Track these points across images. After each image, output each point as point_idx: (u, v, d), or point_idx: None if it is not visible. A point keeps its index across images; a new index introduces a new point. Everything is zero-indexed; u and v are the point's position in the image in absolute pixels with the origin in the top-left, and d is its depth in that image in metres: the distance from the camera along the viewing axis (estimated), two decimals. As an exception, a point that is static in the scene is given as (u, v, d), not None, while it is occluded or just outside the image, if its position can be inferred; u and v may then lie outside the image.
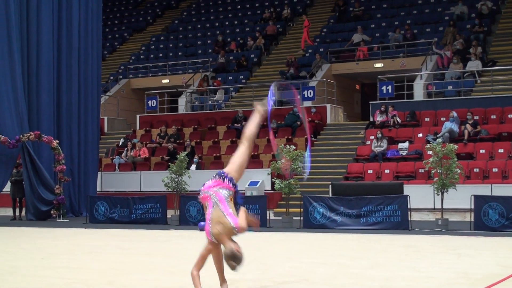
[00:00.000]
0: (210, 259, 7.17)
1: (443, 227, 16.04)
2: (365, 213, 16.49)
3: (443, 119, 23.34)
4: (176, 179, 19.30)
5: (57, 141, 21.46)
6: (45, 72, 22.69)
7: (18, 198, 21.58)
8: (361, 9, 33.42)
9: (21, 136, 20.76)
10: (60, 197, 21.06)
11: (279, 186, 17.81)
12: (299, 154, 18.02)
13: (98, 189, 24.80)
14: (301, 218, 17.12)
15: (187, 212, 18.33)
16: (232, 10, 39.40)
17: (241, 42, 34.46)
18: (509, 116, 22.98)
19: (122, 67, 36.02)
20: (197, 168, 24.09)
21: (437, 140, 18.48)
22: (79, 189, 23.61)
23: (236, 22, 37.68)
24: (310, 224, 16.81)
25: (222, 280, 7.34)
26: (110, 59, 38.22)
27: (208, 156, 25.73)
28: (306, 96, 26.91)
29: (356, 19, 32.68)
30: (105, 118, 30.89)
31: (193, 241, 13.64)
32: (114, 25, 42.45)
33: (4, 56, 20.97)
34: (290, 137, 24.94)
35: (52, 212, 21.04)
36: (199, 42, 36.57)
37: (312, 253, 11.33)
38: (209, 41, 36.07)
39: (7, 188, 21.72)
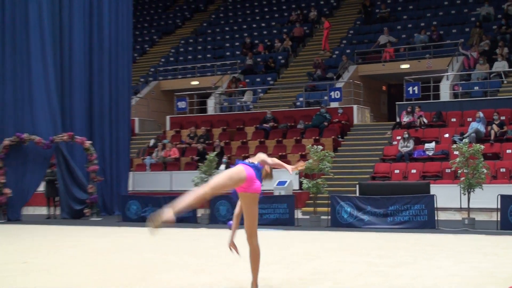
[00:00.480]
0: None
1: (469, 226, 15.94)
2: (392, 212, 16.44)
3: (469, 119, 23.12)
4: (206, 179, 19.36)
5: (90, 142, 21.66)
6: (77, 74, 22.87)
7: (51, 197, 21.83)
8: (387, 11, 33.21)
9: (55, 137, 20.98)
10: (93, 196, 21.25)
11: (306, 186, 17.81)
12: (326, 154, 18.02)
13: (130, 188, 24.92)
14: (329, 217, 17.11)
15: (216, 211, 18.40)
16: (260, 13, 39.38)
17: (269, 44, 34.44)
18: (536, 116, 22.83)
19: (152, 69, 36.17)
20: (226, 168, 24.12)
21: (464, 140, 18.38)
22: (111, 189, 23.76)
23: (263, 25, 37.65)
24: (337, 223, 16.79)
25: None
26: (141, 61, 38.38)
27: (237, 156, 25.70)
28: (333, 97, 26.89)
29: (382, 21, 32.47)
30: (136, 119, 31.03)
31: (222, 240, 13.69)
32: (144, 28, 42.60)
33: (38, 59, 21.22)
34: (317, 137, 24.87)
35: (85, 211, 21.24)
36: (227, 44, 36.60)
37: (339, 251, 11.34)
38: (237, 43, 36.08)
39: (42, 187, 21.98)
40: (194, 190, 6.99)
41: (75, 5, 22.93)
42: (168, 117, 31.05)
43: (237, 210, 7.43)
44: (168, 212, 6.57)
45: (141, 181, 25.73)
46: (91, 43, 23.67)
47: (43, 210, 23.14)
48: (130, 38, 26.03)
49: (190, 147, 27.13)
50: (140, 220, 19.22)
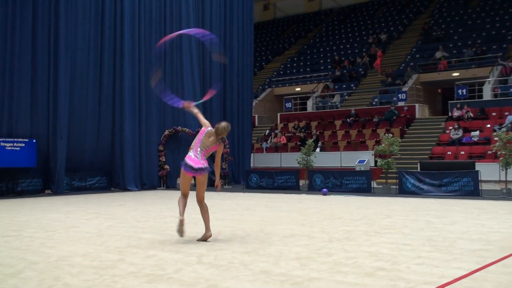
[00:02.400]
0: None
1: (507, 194, 15.10)
2: (446, 183, 15.78)
3: (506, 113, 22.00)
4: (306, 158, 19.28)
5: (224, 132, 21.93)
6: (215, 85, 23.27)
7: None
8: (442, 33, 32.05)
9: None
10: (225, 171, 21.55)
11: (380, 163, 17.44)
12: (395, 140, 17.58)
13: (251, 165, 25.23)
14: (397, 186, 16.64)
15: (313, 181, 18.27)
16: (345, 37, 38.83)
17: (352, 60, 33.91)
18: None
19: (268, 80, 36.38)
20: (320, 151, 23.99)
21: (502, 129, 17.41)
22: (238, 165, 24.11)
23: (348, 46, 37.08)
24: (403, 191, 16.30)
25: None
26: (259, 74, 38.69)
27: (328, 142, 25.54)
28: (400, 98, 26.31)
29: (438, 40, 31.34)
30: (256, 116, 31.36)
31: (317, 203, 13.59)
32: (262, 50, 42.86)
33: (188, 75, 21.72)
34: (388, 128, 24.31)
35: (220, 181, 21.55)
36: (322, 61, 36.31)
37: (405, 212, 10.98)
38: (328, 60, 35.74)
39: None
40: (178, 199, 7.16)
41: (213, 36, 23.26)
42: (278, 114, 31.25)
43: (184, 191, 7.19)
44: (180, 220, 6.79)
45: (259, 160, 25.99)
46: (225, 63, 24.04)
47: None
48: (251, 58, 26.29)
49: (294, 135, 27.14)
50: (258, 188, 19.35)
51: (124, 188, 19.44)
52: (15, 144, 16.43)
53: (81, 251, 6.33)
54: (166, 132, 21.01)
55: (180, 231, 6.76)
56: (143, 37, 20.42)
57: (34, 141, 16.98)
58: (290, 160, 23.22)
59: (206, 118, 23.37)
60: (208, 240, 7.09)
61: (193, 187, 7.41)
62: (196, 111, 7.61)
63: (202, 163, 7.05)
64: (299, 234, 7.70)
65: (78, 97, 18.52)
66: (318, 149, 23.70)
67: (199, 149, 7.10)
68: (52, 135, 17.60)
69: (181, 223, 6.79)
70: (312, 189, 18.13)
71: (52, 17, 17.72)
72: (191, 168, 6.98)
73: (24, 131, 17.02)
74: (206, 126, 7.30)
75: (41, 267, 5.37)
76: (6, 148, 16.22)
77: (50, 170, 17.59)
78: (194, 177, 7.20)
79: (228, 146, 21.71)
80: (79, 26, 18.61)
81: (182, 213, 6.95)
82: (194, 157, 7.06)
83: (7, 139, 16.35)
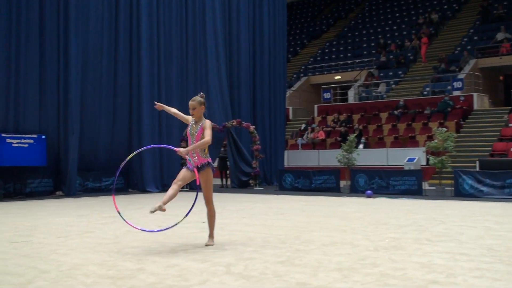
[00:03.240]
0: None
1: None
2: (509, 184, 15.51)
3: None
4: (347, 156, 19.18)
5: (254, 127, 22.01)
6: (244, 72, 23.38)
7: (223, 171, 22.41)
8: (504, 11, 31.43)
9: (226, 123, 21.48)
10: (256, 170, 21.60)
11: (433, 162, 17.25)
12: (450, 135, 17.36)
13: (285, 163, 25.23)
14: (452, 188, 16.43)
15: (356, 182, 18.17)
16: (391, 18, 38.48)
17: (399, 44, 33.58)
18: None
19: (303, 67, 36.32)
20: (364, 147, 23.83)
21: None
22: (270, 164, 24.16)
23: (395, 27, 36.76)
24: (460, 194, 16.09)
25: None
26: (293, 61, 38.62)
27: (373, 137, 25.37)
28: (455, 86, 25.97)
29: (500, 20, 30.78)
30: (290, 108, 31.35)
31: (361, 206, 13.52)
32: (296, 34, 42.77)
33: (213, 60, 21.83)
34: (442, 121, 24.02)
35: (250, 181, 21.63)
36: (365, 45, 36.09)
37: (462, 217, 10.84)
38: (372, 44, 35.49)
39: (216, 163, 22.64)
40: (171, 187, 7.12)
41: (242, 18, 23.41)
42: (316, 106, 31.15)
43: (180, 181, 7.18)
44: (160, 203, 6.77)
45: (294, 158, 25.96)
46: (255, 47, 24.12)
47: (217, 181, 23.81)
48: (285, 42, 26.29)
49: (334, 130, 27.05)
50: (293, 189, 19.33)
51: (143, 190, 19.66)
52: (22, 141, 16.76)
53: (97, 259, 6.43)
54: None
55: (153, 211, 6.80)
56: (162, 19, 20.58)
57: (44, 137, 17.29)
58: (329, 158, 23.13)
59: (234, 110, 23.33)
60: (210, 245, 7.29)
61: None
62: (173, 110, 7.71)
63: (200, 161, 7.16)
64: (340, 241, 7.67)
65: (91, 87, 18.78)
66: (361, 146, 23.57)
67: (191, 146, 7.12)
68: (63, 130, 17.90)
69: (158, 209, 6.77)
70: (355, 191, 18.03)
71: (62, -2, 18.00)
72: (193, 170, 7.13)
73: (32, 126, 17.34)
74: (189, 121, 7.39)
75: (52, 277, 5.47)
76: (13, 145, 16.56)
77: (61, 169, 17.90)
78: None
79: (258, 143, 21.75)
80: (91, 7, 18.87)
81: (165, 201, 6.91)
82: (192, 160, 7.17)
83: (14, 135, 16.69)
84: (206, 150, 7.29)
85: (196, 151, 7.18)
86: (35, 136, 17.13)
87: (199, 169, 7.19)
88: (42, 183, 17.70)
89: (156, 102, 7.82)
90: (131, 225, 7.33)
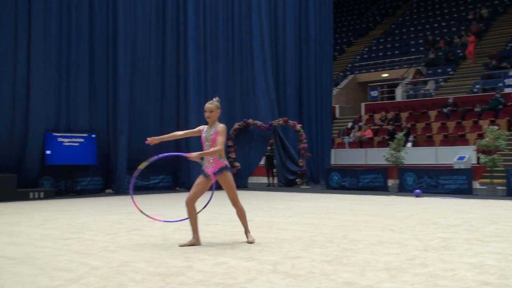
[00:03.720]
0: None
1: None
2: None
3: None
4: (395, 155, 18.95)
5: (300, 125, 21.95)
6: (290, 71, 23.36)
7: (270, 169, 22.42)
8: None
9: (273, 121, 21.49)
10: (302, 169, 21.54)
11: (484, 160, 16.87)
12: (501, 133, 16.95)
13: (332, 162, 25.10)
14: (505, 187, 16.05)
15: (404, 181, 17.94)
16: (440, 14, 37.84)
17: (448, 40, 32.98)
18: None
19: (350, 65, 36.08)
20: (412, 146, 23.54)
21: None
22: (317, 163, 24.07)
23: (443, 24, 36.13)
24: (512, 193, 15.72)
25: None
26: (340, 59, 38.39)
27: (421, 136, 25.02)
28: (507, 83, 25.37)
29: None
30: (337, 106, 31.19)
31: (409, 206, 13.34)
32: (343, 31, 42.50)
33: (259, 59, 21.87)
34: (493, 119, 23.50)
35: (297, 180, 21.58)
36: (412, 42, 35.59)
37: (514, 217, 10.57)
38: (420, 41, 34.96)
39: (262, 161, 22.68)
40: (188, 208, 7.31)
41: (288, 16, 23.38)
42: (363, 104, 30.93)
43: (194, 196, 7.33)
44: (193, 240, 7.24)
45: (341, 156, 25.82)
46: (301, 46, 24.07)
47: (264, 179, 23.89)
48: (331, 40, 26.15)
49: (381, 128, 26.78)
50: (340, 188, 19.22)
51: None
52: (73, 140, 17.14)
53: (145, 256, 6.52)
54: (236, 126, 21.24)
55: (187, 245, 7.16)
56: (208, 17, 20.72)
57: (94, 136, 17.64)
58: (377, 156, 22.93)
59: (281, 109, 23.35)
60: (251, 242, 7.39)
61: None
62: (178, 133, 7.61)
63: (217, 165, 7.21)
64: (388, 241, 7.58)
65: (139, 86, 19.05)
66: (409, 144, 23.27)
67: (203, 152, 7.14)
68: (113, 129, 18.21)
69: (194, 242, 7.18)
70: (403, 190, 17.81)
71: (111, -1, 18.31)
72: (210, 176, 7.23)
73: (82, 125, 17.72)
74: (200, 130, 7.34)
75: (102, 273, 5.57)
76: (64, 144, 16.95)
77: (111, 167, 18.22)
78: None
79: (305, 141, 21.68)
80: (139, 8, 19.14)
81: (195, 230, 7.26)
82: (208, 165, 7.23)
83: (65, 134, 17.07)
84: (223, 154, 7.29)
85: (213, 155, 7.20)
86: (86, 135, 17.49)
87: (216, 173, 7.21)
88: (92, 181, 18.05)
89: (148, 138, 7.45)
90: (155, 219, 7.81)
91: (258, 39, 21.97)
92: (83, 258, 6.41)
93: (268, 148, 22.31)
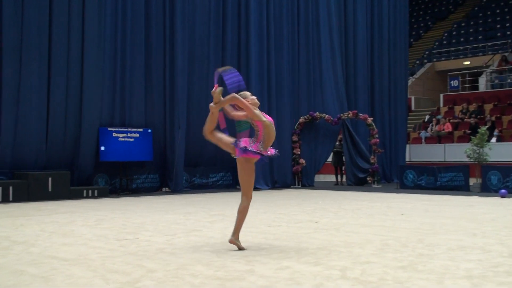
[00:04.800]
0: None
1: None
2: None
3: None
4: (478, 151, 18.52)
5: (371, 118, 21.75)
6: (360, 60, 23.19)
7: (338, 167, 22.31)
8: None
9: (342, 115, 21.37)
10: (374, 166, 21.34)
11: None
12: None
13: (407, 159, 24.81)
14: None
15: (488, 180, 17.53)
16: (531, -7, 36.69)
17: (540, 23, 31.98)
18: None
19: (427, 52, 35.51)
20: (497, 141, 22.96)
21: None
22: (390, 159, 23.84)
23: (534, 5, 35.05)
24: None
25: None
26: (416, 45, 37.84)
27: (508, 130, 24.36)
28: None
29: None
30: (412, 97, 30.82)
31: (494, 207, 13.03)
32: (419, 15, 41.85)
33: (327, 49, 21.79)
34: None
35: (368, 178, 21.40)
36: (498, 26, 34.68)
37: None
38: (507, 24, 34.01)
39: (330, 158, 22.58)
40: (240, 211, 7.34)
41: (358, 2, 23.17)
42: (441, 95, 30.44)
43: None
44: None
45: (417, 153, 25.51)
46: (372, 32, 23.89)
47: (331, 178, 23.80)
48: (406, 26, 25.82)
49: (462, 121, 26.27)
50: (416, 187, 18.96)
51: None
52: (128, 135, 17.51)
53: (204, 259, 6.61)
54: (301, 119, 21.23)
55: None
56: (272, 7, 20.77)
57: (150, 131, 17.97)
58: (457, 153, 22.51)
59: (350, 101, 23.39)
60: (240, 248, 7.28)
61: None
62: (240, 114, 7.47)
63: (247, 145, 7.15)
64: (469, 246, 7.44)
65: (197, 78, 19.27)
66: (494, 139, 22.73)
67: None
68: (169, 124, 18.49)
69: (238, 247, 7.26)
70: (486, 189, 17.42)
71: (168, -13, 18.58)
72: (238, 148, 7.19)
73: (138, 120, 18.07)
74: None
75: (159, 276, 5.69)
76: (119, 139, 17.35)
77: (167, 164, 18.52)
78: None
79: (377, 136, 21.47)
80: (198, -3, 19.34)
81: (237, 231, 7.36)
82: (250, 141, 7.23)
83: (120, 129, 17.46)
84: (260, 138, 7.20)
85: (246, 134, 7.22)
86: (141, 130, 17.83)
87: (247, 152, 7.16)
88: (148, 179, 18.41)
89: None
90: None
91: (326, 29, 21.85)
92: (139, 260, 6.55)
93: (337, 143, 22.19)
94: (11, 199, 14.95)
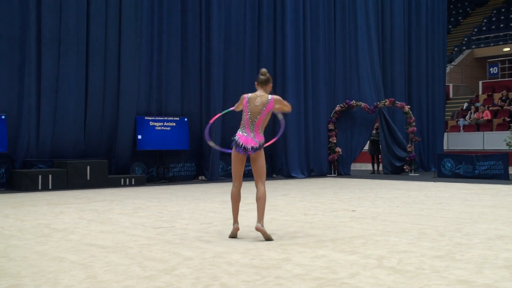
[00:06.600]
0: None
1: None
2: None
3: None
4: (517, 139, 18.24)
5: (408, 106, 21.53)
6: (397, 48, 23.00)
7: (375, 155, 22.16)
8: None
9: (378, 103, 21.20)
10: (411, 155, 21.14)
11: None
12: None
13: (444, 147, 24.58)
14: None
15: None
16: None
17: None
18: None
19: (466, 39, 35.01)
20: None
21: None
22: (428, 148, 23.63)
23: None
24: None
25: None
26: (454, 32, 37.33)
27: (549, 117, 23.92)
28: None
29: None
30: (450, 85, 30.45)
31: (534, 196, 12.83)
32: (458, 1, 41.22)
33: (363, 36, 21.65)
34: None
35: (405, 167, 21.23)
36: (540, 11, 33.97)
37: None
38: (549, 9, 33.30)
39: (366, 147, 22.45)
40: (231, 194, 7.60)
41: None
42: (480, 82, 30.02)
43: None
44: (234, 228, 7.34)
45: (455, 141, 25.25)
46: (410, 19, 23.67)
47: (368, 166, 23.65)
48: (445, 12, 25.51)
49: (502, 109, 25.87)
50: (454, 176, 18.76)
51: (287, 175, 19.97)
52: (165, 124, 17.65)
53: (240, 247, 6.64)
54: (337, 108, 21.14)
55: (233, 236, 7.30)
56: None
57: (186, 119, 18.07)
58: (497, 141, 22.22)
59: (387, 89, 23.21)
60: (269, 238, 7.14)
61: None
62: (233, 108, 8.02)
63: (256, 141, 7.20)
64: (508, 235, 7.34)
65: (233, 65, 19.29)
66: (535, 127, 22.35)
67: (249, 124, 7.27)
68: (205, 112, 18.56)
69: (235, 232, 7.30)
70: (526, 178, 17.16)
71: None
72: (244, 149, 7.18)
73: (174, 108, 18.20)
74: (243, 98, 7.65)
75: (195, 264, 5.74)
76: (156, 128, 17.50)
77: (203, 153, 18.61)
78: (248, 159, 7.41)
79: (414, 124, 21.26)
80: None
81: (236, 218, 7.36)
82: (247, 135, 7.22)
83: (156, 118, 17.61)
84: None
85: (255, 128, 7.25)
86: (177, 119, 17.95)
87: (253, 149, 7.20)
88: (184, 167, 18.55)
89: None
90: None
91: (363, 15, 21.69)
92: (176, 248, 6.62)
93: (373, 132, 22.04)
94: (50, 187, 15.24)
